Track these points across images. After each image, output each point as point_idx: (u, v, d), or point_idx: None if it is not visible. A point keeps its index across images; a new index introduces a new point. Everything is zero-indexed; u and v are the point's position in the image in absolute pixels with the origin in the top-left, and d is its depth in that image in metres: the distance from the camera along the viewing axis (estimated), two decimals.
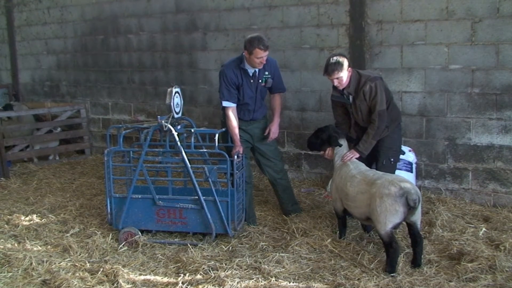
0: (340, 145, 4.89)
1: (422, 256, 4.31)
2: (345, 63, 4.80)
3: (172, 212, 4.96)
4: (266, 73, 5.31)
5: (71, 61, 9.61)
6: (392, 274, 4.09)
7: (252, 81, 5.27)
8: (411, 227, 4.27)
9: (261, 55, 5.03)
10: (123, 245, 4.91)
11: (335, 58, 4.81)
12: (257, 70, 5.24)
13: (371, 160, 5.11)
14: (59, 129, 8.77)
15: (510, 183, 5.68)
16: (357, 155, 4.82)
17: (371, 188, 4.33)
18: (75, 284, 4.07)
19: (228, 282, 4.02)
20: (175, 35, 8.09)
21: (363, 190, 4.43)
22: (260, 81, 5.30)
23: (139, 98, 8.73)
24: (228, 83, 5.22)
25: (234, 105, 5.26)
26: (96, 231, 5.22)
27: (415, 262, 4.25)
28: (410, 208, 4.11)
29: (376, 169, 4.90)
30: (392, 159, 5.05)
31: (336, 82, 4.86)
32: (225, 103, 5.24)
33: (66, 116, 9.00)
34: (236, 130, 5.21)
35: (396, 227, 4.23)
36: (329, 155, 5.03)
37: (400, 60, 6.15)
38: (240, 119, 5.34)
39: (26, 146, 8.67)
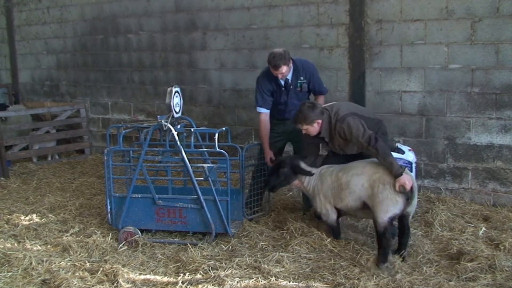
0: (312, 174, 4.76)
1: (423, 256, 4.34)
2: (312, 116, 4.56)
3: (172, 212, 4.96)
4: (301, 78, 5.34)
5: (71, 60, 9.60)
6: (385, 265, 4.13)
7: (284, 88, 5.35)
8: (403, 217, 4.35)
9: (273, 72, 5.18)
10: (123, 245, 4.90)
11: (303, 110, 4.60)
12: (289, 77, 5.31)
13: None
14: (54, 129, 8.78)
15: (510, 182, 5.68)
16: (405, 176, 4.24)
17: (373, 172, 4.33)
18: (75, 284, 4.06)
19: (228, 282, 4.01)
20: (175, 34, 8.09)
21: (359, 172, 4.44)
22: (291, 87, 5.35)
23: (139, 97, 8.73)
24: (262, 90, 5.36)
25: (267, 111, 5.39)
26: (96, 231, 5.21)
27: (400, 252, 4.33)
28: (407, 199, 4.19)
29: None
30: None
31: (304, 132, 4.73)
32: (258, 109, 5.41)
33: (66, 115, 9.00)
34: (266, 137, 5.36)
35: (394, 218, 4.27)
36: (298, 185, 4.91)
37: (400, 59, 6.15)
38: (274, 117, 5.50)
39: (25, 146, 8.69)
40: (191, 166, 4.87)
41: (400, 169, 4.23)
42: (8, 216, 5.86)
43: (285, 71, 5.19)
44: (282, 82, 5.31)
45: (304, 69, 5.35)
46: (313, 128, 4.65)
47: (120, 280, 4.12)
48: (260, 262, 4.36)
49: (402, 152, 5.99)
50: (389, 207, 4.19)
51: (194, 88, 8.01)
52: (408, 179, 4.19)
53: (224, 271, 4.21)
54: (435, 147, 6.07)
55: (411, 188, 4.19)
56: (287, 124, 5.51)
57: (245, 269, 4.28)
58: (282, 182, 4.88)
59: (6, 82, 10.68)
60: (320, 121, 4.63)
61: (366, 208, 4.42)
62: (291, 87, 5.35)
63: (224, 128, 5.30)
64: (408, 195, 4.18)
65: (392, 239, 4.43)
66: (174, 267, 4.42)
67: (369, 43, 6.33)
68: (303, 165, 4.80)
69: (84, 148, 9.11)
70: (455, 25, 5.76)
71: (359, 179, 4.41)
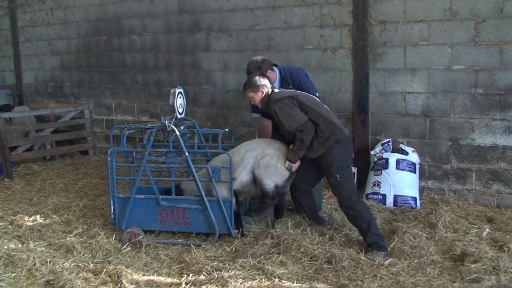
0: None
1: (426, 257, 4.35)
2: (259, 83, 4.85)
3: (175, 212, 4.97)
4: (290, 87, 5.28)
5: (75, 61, 9.63)
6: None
7: None
8: (282, 196, 4.96)
9: None
10: (127, 246, 4.91)
11: (251, 77, 4.91)
12: (276, 86, 5.24)
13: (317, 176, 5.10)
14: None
15: None
16: (292, 164, 4.83)
17: (266, 147, 4.87)
18: (79, 285, 4.06)
19: (231, 283, 4.01)
20: (179, 35, 8.10)
21: (253, 147, 4.93)
22: None
23: (143, 98, 8.74)
24: None
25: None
26: (99, 232, 5.22)
27: (278, 216, 5.12)
28: (289, 177, 4.84)
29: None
30: (338, 176, 4.65)
31: (252, 102, 5.01)
32: (254, 115, 5.47)
33: (70, 116, 9.01)
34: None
35: (279, 188, 4.86)
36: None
37: (404, 60, 6.14)
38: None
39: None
40: (194, 167, 4.88)
41: (291, 160, 4.77)
42: (12, 217, 5.87)
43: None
44: None
45: (292, 77, 5.29)
46: (258, 97, 4.90)
47: (124, 281, 4.13)
48: (263, 263, 4.36)
49: (406, 153, 6.00)
50: (273, 176, 4.78)
51: (198, 89, 8.02)
52: (297, 166, 4.82)
53: (227, 272, 4.20)
54: (439, 148, 6.06)
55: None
56: None
57: (248, 270, 4.28)
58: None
59: (10, 83, 10.71)
60: (264, 90, 4.87)
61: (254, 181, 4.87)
62: None
63: (227, 129, 5.31)
64: (291, 175, 4.81)
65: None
66: (177, 268, 4.42)
67: (372, 44, 6.33)
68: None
69: (88, 149, 9.12)
70: (458, 26, 5.75)
71: (252, 153, 4.87)
